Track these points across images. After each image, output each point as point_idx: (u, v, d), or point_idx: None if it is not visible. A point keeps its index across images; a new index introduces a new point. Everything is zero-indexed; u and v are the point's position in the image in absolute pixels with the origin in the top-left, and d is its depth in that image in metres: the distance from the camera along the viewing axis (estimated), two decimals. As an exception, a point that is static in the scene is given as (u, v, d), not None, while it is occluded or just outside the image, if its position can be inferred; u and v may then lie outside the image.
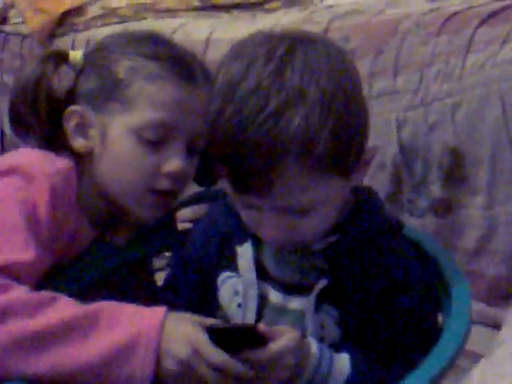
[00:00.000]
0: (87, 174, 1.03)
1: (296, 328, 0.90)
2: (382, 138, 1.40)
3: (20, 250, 0.92)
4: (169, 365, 0.85)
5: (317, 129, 0.80)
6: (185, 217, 1.15)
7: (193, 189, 1.13)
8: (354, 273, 0.91)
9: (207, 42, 1.75)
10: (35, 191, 0.95)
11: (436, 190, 1.39)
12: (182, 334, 0.86)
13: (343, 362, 0.88)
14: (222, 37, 1.72)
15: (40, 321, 0.86)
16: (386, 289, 0.91)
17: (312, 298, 0.91)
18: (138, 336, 0.85)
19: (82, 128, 1.02)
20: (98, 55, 1.04)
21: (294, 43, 0.84)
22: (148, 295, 1.09)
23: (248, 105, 0.81)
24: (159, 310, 0.88)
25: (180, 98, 1.00)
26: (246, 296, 0.95)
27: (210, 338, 0.83)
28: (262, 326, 0.83)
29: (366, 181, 1.30)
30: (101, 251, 1.07)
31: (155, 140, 0.99)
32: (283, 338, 0.83)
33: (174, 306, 0.99)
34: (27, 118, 1.03)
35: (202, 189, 1.14)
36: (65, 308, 0.88)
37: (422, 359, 0.84)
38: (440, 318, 0.97)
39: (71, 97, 1.03)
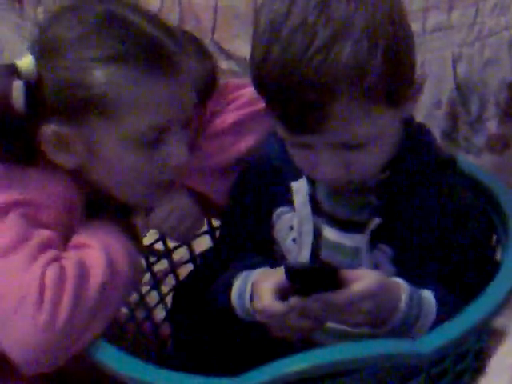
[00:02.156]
0: (82, 177, 0.97)
1: (352, 265, 0.91)
2: (438, 74, 1.38)
3: None
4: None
5: (367, 58, 0.80)
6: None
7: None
8: (408, 209, 0.91)
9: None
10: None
11: (493, 126, 1.37)
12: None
13: (430, 298, 0.87)
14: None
15: None
16: (441, 224, 0.91)
17: (365, 236, 0.90)
18: None
19: (63, 146, 0.94)
20: (56, 64, 0.92)
21: None
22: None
23: (295, 42, 0.80)
24: None
25: (165, 92, 0.93)
26: (301, 231, 0.95)
27: (288, 277, 0.84)
28: (341, 269, 0.83)
29: (422, 120, 1.28)
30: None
31: (154, 139, 0.94)
32: (361, 282, 0.82)
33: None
34: None
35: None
36: None
37: (478, 295, 0.84)
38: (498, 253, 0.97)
39: (35, 111, 0.93)
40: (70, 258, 0.89)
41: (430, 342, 0.80)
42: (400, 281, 0.87)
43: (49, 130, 0.93)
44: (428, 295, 0.87)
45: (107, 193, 0.99)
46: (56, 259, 0.88)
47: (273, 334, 0.91)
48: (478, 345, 0.87)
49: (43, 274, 0.85)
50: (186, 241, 1.12)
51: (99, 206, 0.99)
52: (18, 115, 0.92)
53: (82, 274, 0.87)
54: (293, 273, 0.84)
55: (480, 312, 0.83)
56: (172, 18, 1.58)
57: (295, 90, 0.81)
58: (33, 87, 0.93)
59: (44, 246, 0.89)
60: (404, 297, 0.85)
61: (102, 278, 0.88)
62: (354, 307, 0.82)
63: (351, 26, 0.80)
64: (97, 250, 0.91)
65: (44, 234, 0.90)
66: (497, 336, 0.88)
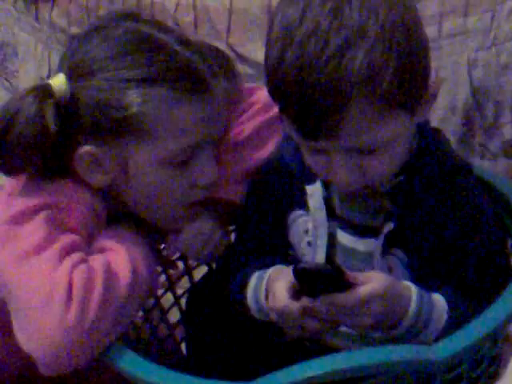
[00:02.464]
0: (108, 197, 0.98)
1: (365, 269, 0.91)
2: (454, 79, 1.37)
3: None
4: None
5: (380, 64, 0.80)
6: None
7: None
8: (422, 214, 0.91)
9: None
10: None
11: (508, 132, 1.36)
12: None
13: (441, 302, 0.87)
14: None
15: None
16: (456, 230, 0.90)
17: (379, 240, 0.91)
18: None
19: (97, 165, 0.95)
20: (89, 84, 0.92)
21: None
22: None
23: (308, 48, 0.80)
24: None
25: (199, 113, 0.94)
26: (316, 235, 0.95)
27: (297, 278, 0.84)
28: (349, 272, 0.83)
29: (438, 124, 1.28)
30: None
31: (186, 160, 0.95)
32: (369, 284, 0.82)
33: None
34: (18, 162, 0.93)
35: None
36: None
37: (492, 302, 0.84)
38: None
39: (69, 131, 0.94)
40: (97, 261, 0.89)
41: (445, 349, 0.80)
42: (410, 284, 0.87)
43: (83, 150, 0.94)
44: (439, 299, 0.88)
45: (135, 213, 0.99)
46: (84, 261, 0.89)
47: (286, 333, 0.91)
48: (493, 351, 0.87)
49: (71, 274, 0.86)
50: (209, 261, 1.11)
51: (122, 216, 1.00)
52: (52, 134, 0.92)
53: (110, 276, 0.88)
54: (301, 273, 0.84)
55: (495, 318, 0.83)
56: (186, 21, 1.58)
57: (309, 96, 0.81)
58: (66, 107, 0.93)
59: (70, 249, 0.90)
60: (414, 300, 0.85)
61: (129, 282, 0.89)
62: (361, 309, 0.82)
63: (364, 33, 0.80)
64: (121, 255, 0.91)
65: (69, 237, 0.91)
66: (512, 341, 0.88)
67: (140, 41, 0.94)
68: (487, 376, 0.87)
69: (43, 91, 0.93)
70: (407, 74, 0.82)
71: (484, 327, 0.82)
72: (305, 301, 0.85)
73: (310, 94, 0.81)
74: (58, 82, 0.94)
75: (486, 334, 0.82)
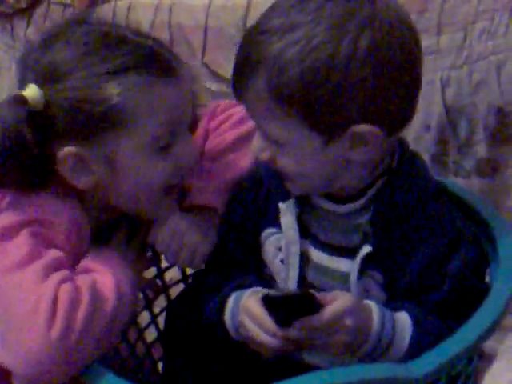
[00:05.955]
0: (92, 200, 1.00)
1: (341, 289, 0.91)
2: (427, 98, 1.38)
3: None
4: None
5: (291, 60, 0.82)
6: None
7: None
8: (399, 236, 0.91)
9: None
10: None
11: (481, 150, 1.37)
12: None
13: (404, 318, 0.88)
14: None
15: None
16: (432, 252, 0.91)
17: (356, 262, 0.91)
18: None
19: (82, 167, 0.96)
20: (63, 87, 0.94)
21: None
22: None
23: (261, 21, 0.86)
24: None
25: (173, 95, 0.97)
26: (288, 253, 0.96)
27: (266, 307, 0.84)
28: (316, 293, 0.83)
29: (411, 143, 1.28)
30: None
31: (167, 144, 0.97)
32: (338, 301, 0.83)
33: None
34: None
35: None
36: None
37: (467, 320, 0.85)
38: (487, 277, 0.97)
39: (47, 138, 0.95)
40: (83, 281, 0.89)
41: (422, 366, 0.80)
42: (369, 301, 0.88)
43: (66, 151, 0.94)
44: (403, 315, 0.88)
45: (115, 211, 1.00)
46: (70, 279, 0.89)
47: (261, 353, 0.91)
48: (469, 367, 0.88)
49: (57, 291, 0.86)
50: (193, 266, 1.09)
51: (104, 235, 1.00)
52: (30, 144, 0.93)
53: (96, 296, 0.88)
54: (270, 302, 0.84)
55: (471, 336, 0.83)
56: (162, 39, 1.58)
57: (236, 59, 0.87)
58: (41, 115, 0.94)
59: (55, 265, 0.90)
60: (375, 314, 0.86)
61: (114, 304, 0.89)
62: (337, 325, 0.83)
63: (295, 28, 0.82)
64: (107, 276, 0.92)
65: (55, 253, 0.91)
66: (486, 358, 0.89)
67: (101, 38, 0.96)
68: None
69: (16, 102, 0.93)
70: (311, 83, 0.82)
71: (460, 344, 0.83)
72: (279, 332, 0.85)
73: (237, 58, 0.87)
74: (31, 91, 0.94)
75: (463, 350, 0.82)
